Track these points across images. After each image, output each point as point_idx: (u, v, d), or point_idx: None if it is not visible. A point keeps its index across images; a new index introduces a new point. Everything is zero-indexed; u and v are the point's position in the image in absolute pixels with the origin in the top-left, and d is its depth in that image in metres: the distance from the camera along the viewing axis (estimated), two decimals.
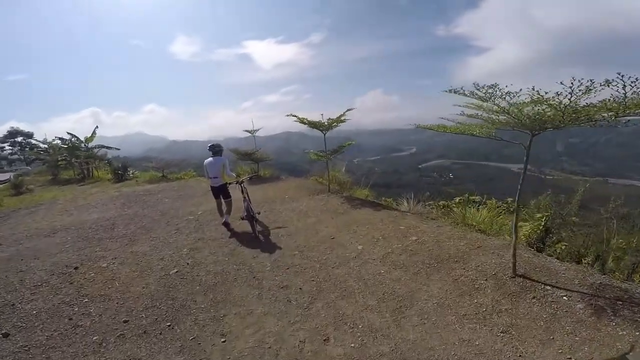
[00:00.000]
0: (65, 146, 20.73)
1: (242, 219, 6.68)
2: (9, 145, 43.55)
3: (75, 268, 5.80)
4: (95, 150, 20.91)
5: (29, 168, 33.51)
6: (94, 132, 20.65)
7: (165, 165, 15.49)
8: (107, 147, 22.14)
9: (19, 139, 42.99)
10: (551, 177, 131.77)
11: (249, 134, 13.24)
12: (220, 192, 6.86)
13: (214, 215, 8.20)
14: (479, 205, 7.46)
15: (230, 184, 6.91)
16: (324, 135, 9.13)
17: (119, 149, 22.72)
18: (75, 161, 19.73)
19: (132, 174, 16.62)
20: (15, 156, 40.94)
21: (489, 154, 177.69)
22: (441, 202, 10.03)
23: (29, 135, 42.48)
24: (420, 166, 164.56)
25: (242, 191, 6.89)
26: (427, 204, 8.91)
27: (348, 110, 8.71)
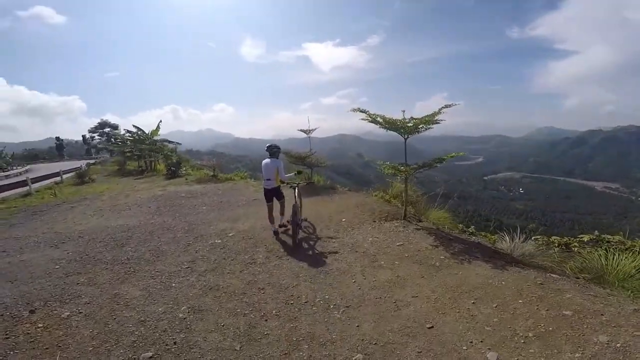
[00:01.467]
0: (131, 138, 20.54)
1: (287, 223, 6.25)
2: (98, 135, 47.55)
3: (32, 311, 3.85)
4: (161, 144, 20.42)
5: (109, 157, 35.49)
6: (158, 127, 20.11)
7: (217, 164, 13.90)
8: (169, 142, 21.62)
9: (107, 129, 46.61)
10: None
11: (305, 135, 10.96)
12: (273, 194, 6.19)
13: (247, 242, 5.93)
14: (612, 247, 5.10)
15: (283, 185, 6.23)
16: (405, 140, 6.32)
17: (180, 144, 22.12)
18: (136, 153, 19.39)
19: (185, 170, 15.38)
20: (102, 145, 44.19)
21: (570, 169, 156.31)
22: (555, 240, 6.77)
23: (115, 127, 45.81)
24: (485, 178, 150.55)
25: (295, 195, 6.33)
26: (533, 239, 6.05)
27: (445, 107, 5.81)
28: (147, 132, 20.10)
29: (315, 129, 10.93)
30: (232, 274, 4.79)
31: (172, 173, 14.67)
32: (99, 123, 47.94)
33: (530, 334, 3.04)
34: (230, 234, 6.42)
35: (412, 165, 6.27)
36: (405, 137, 6.25)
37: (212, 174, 13.55)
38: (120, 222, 7.87)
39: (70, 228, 7.62)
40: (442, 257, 4.96)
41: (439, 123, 6.01)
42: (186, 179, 13.66)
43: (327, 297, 3.97)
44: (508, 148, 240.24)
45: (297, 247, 5.63)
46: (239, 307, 3.88)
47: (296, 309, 3.76)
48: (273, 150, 6.04)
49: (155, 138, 20.07)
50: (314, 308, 3.76)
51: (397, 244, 5.46)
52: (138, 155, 20.45)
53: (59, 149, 53.00)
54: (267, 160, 6.03)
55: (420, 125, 5.98)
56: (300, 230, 6.03)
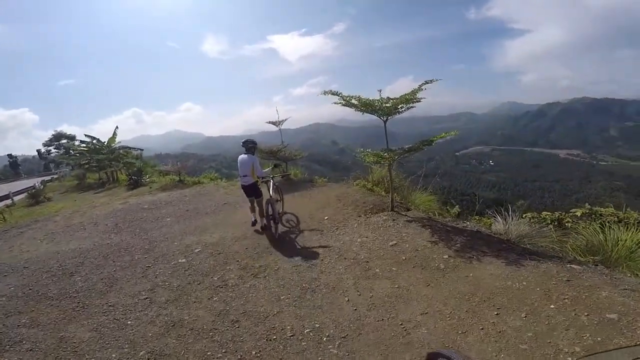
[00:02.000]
0: (86, 149, 18.78)
1: (263, 228, 5.97)
2: (55, 148, 43.99)
3: None
4: (121, 152, 18.76)
5: (68, 171, 32.94)
6: (114, 133, 18.44)
7: (182, 168, 12.72)
8: (131, 148, 19.98)
9: (64, 141, 43.17)
10: (604, 163, 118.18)
11: (276, 127, 10.06)
12: (251, 191, 5.92)
13: (216, 258, 5.05)
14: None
15: (260, 181, 6.10)
16: (385, 122, 5.58)
17: (141, 150, 20.48)
18: (93, 165, 17.75)
19: (148, 178, 14.07)
20: (59, 159, 41.02)
21: (534, 140, 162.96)
22: (547, 216, 6.49)
23: (72, 138, 42.41)
24: (457, 153, 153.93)
25: (271, 188, 6.15)
26: (524, 217, 5.87)
27: (426, 82, 5.10)
28: (102, 141, 18.42)
29: (285, 120, 10.05)
30: (199, 303, 3.93)
31: (135, 183, 13.35)
32: (53, 135, 44.27)
33: (577, 349, 2.42)
34: (197, 250, 5.51)
35: (396, 150, 5.56)
36: (384, 119, 5.51)
37: (178, 179, 12.38)
38: (72, 245, 6.75)
39: (15, 257, 6.44)
40: (445, 256, 4.29)
41: (419, 101, 5.31)
42: (150, 188, 12.41)
43: (317, 325, 3.19)
44: (475, 124, 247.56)
45: (278, 246, 5.00)
46: (209, 349, 3.06)
47: (281, 346, 2.98)
48: (249, 145, 5.85)
49: (115, 145, 18.42)
50: (303, 343, 2.98)
51: (390, 243, 4.74)
52: (97, 167, 18.75)
53: (13, 166, 48.94)
54: (243, 156, 5.84)
55: (400, 105, 5.25)
56: (279, 225, 5.85)
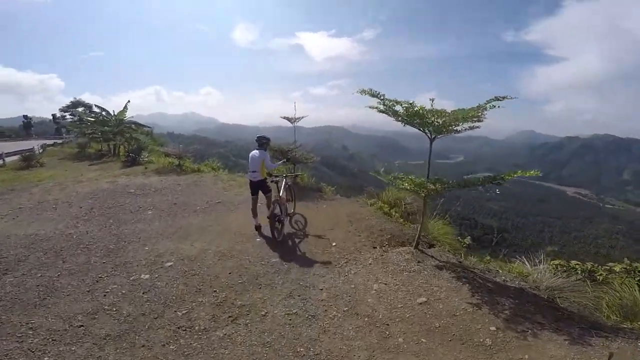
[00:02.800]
0: (93, 119, 17.82)
1: (257, 228, 5.59)
2: (70, 115, 43.47)
3: None
4: (127, 126, 17.76)
5: (73, 138, 32.18)
6: (125, 107, 17.46)
7: (183, 153, 11.57)
8: (139, 124, 18.99)
9: (80, 109, 42.61)
10: (611, 207, 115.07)
11: (290, 124, 8.88)
12: (259, 187, 5.61)
13: (189, 282, 3.85)
14: None
15: (269, 178, 5.73)
16: (431, 141, 4.35)
17: (150, 128, 19.49)
18: (96, 136, 16.78)
19: (146, 157, 12.98)
20: (70, 126, 40.46)
21: (546, 174, 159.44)
22: (576, 266, 5.30)
23: (89, 107, 41.81)
24: (465, 177, 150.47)
25: (282, 187, 5.74)
26: (551, 264, 4.89)
27: (495, 100, 3.83)
28: (112, 113, 17.44)
29: (302, 118, 8.85)
30: (148, 350, 2.77)
31: (132, 160, 12.26)
32: (71, 102, 43.88)
33: None
34: (168, 264, 4.32)
35: (447, 181, 4.33)
36: (432, 137, 4.29)
37: (177, 163, 11.25)
38: (30, 229, 5.64)
39: None
40: (492, 327, 3.06)
41: (481, 121, 4.09)
42: (145, 168, 11.27)
43: None
44: (489, 149, 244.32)
45: (270, 276, 3.90)
46: None
47: None
48: (262, 141, 5.63)
49: (123, 119, 17.43)
50: None
51: (419, 300, 3.48)
52: (101, 138, 17.82)
53: (26, 127, 48.54)
54: (254, 152, 5.58)
55: (457, 123, 4.01)
56: (284, 227, 5.47)
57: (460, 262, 4.55)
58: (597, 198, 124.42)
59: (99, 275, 4.00)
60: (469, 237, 6.83)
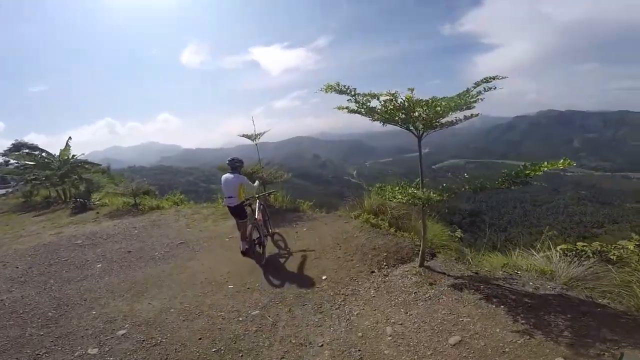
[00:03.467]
0: (33, 163, 15.90)
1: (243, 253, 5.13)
2: (14, 159, 39.78)
3: None
4: (77, 166, 15.95)
5: (21, 186, 29.23)
6: (67, 145, 15.75)
7: (137, 189, 10.24)
8: (91, 163, 17.21)
9: (26, 151, 39.04)
10: (571, 174, 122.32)
11: (252, 142, 7.99)
12: (238, 212, 5.21)
13: (149, 354, 2.88)
14: None
15: (245, 203, 5.27)
16: (419, 138, 3.63)
17: (100, 165, 17.72)
18: (38, 182, 14.91)
19: (98, 200, 11.50)
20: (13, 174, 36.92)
21: (505, 152, 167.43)
22: (586, 248, 4.79)
23: (33, 148, 38.40)
24: (434, 166, 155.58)
25: (257, 209, 5.41)
26: (560, 249, 4.38)
27: (488, 79, 3.20)
28: (53, 154, 15.66)
29: (263, 133, 7.99)
30: None
31: (81, 206, 10.75)
32: (12, 145, 40.06)
33: None
34: (121, 332, 3.30)
35: (454, 186, 3.64)
36: (420, 133, 3.58)
37: (132, 202, 9.92)
38: None
39: None
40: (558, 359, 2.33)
41: (474, 107, 3.46)
42: (97, 213, 9.87)
43: None
44: (451, 138, 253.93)
45: (252, 339, 2.98)
46: None
47: None
48: (235, 164, 5.26)
49: (72, 159, 15.63)
50: None
51: (451, 341, 2.67)
52: (48, 183, 15.88)
53: None
54: (228, 175, 5.21)
55: (450, 113, 3.33)
56: (265, 248, 5.09)
57: (477, 273, 3.84)
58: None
59: (36, 352, 2.96)
60: (459, 229, 6.30)
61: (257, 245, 4.89)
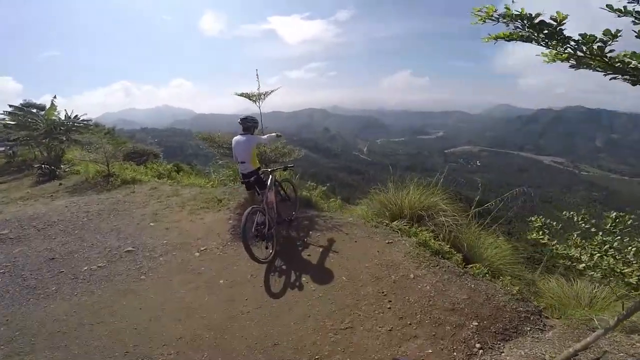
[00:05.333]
0: (14, 122, 14.28)
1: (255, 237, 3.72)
2: (9, 119, 38.51)
3: None
4: (70, 126, 14.32)
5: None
6: (52, 104, 14.06)
7: (112, 156, 8.58)
8: (79, 122, 15.57)
9: (33, 111, 37.71)
10: (586, 173, 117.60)
11: (254, 103, 6.03)
12: (254, 182, 4.22)
13: None
14: None
15: (262, 171, 4.29)
16: None
17: (103, 125, 16.12)
18: (26, 142, 13.42)
19: (68, 168, 9.90)
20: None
21: (522, 144, 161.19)
22: None
23: (42, 108, 36.93)
24: (446, 151, 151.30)
25: (268, 186, 4.15)
26: None
27: None
28: (39, 112, 14.02)
29: (269, 93, 5.94)
30: None
31: (48, 173, 9.13)
32: (21, 104, 38.71)
33: None
34: None
35: None
36: None
37: (106, 172, 8.26)
38: None
39: None
40: None
41: None
42: (60, 184, 8.22)
43: None
44: (467, 124, 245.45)
45: None
46: None
47: None
48: (247, 124, 4.24)
49: (56, 119, 13.95)
50: None
51: None
52: (34, 144, 14.35)
53: None
54: (238, 137, 4.20)
55: None
56: (273, 241, 3.88)
57: None
58: (572, 166, 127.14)
59: None
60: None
61: (259, 237, 3.71)
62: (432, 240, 3.82)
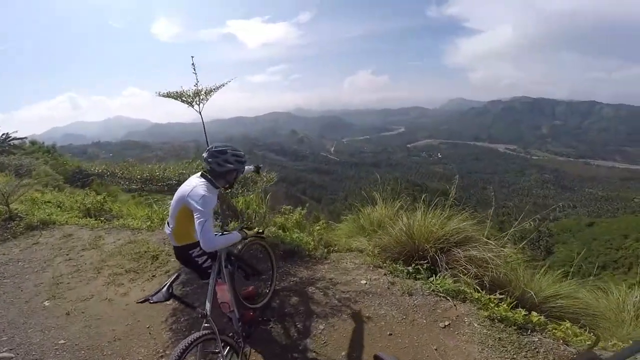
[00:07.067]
0: None
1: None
2: None
3: None
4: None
5: None
6: None
7: (12, 191, 5.72)
8: (17, 140, 13.75)
9: None
10: (536, 157, 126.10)
11: (190, 105, 3.75)
12: (188, 264, 2.30)
13: None
14: None
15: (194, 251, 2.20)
16: None
17: (25, 140, 14.27)
18: None
19: None
20: None
21: (477, 135, 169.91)
22: None
23: None
24: (409, 145, 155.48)
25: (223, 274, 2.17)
26: None
27: None
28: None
29: (210, 91, 3.77)
30: None
31: None
32: None
33: None
34: None
35: None
36: None
37: (7, 212, 5.52)
38: None
39: None
40: None
41: None
42: None
43: None
44: (426, 118, 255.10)
45: None
46: None
47: None
48: (212, 165, 2.12)
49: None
50: None
51: None
52: None
53: None
54: (191, 180, 2.17)
55: None
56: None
57: None
58: (524, 152, 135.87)
59: None
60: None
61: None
62: (508, 309, 2.38)
